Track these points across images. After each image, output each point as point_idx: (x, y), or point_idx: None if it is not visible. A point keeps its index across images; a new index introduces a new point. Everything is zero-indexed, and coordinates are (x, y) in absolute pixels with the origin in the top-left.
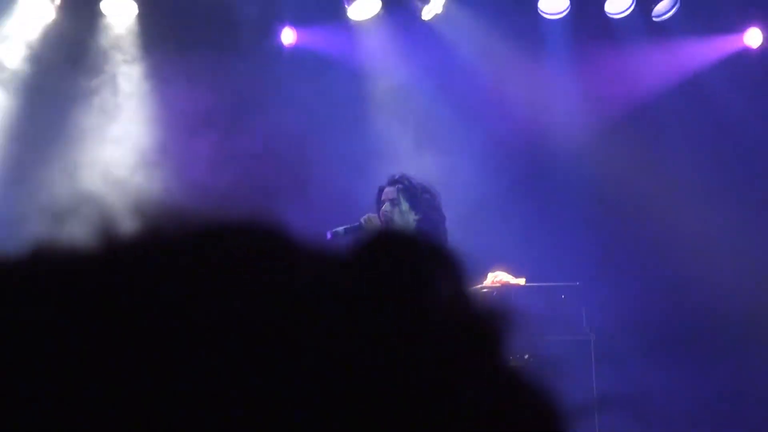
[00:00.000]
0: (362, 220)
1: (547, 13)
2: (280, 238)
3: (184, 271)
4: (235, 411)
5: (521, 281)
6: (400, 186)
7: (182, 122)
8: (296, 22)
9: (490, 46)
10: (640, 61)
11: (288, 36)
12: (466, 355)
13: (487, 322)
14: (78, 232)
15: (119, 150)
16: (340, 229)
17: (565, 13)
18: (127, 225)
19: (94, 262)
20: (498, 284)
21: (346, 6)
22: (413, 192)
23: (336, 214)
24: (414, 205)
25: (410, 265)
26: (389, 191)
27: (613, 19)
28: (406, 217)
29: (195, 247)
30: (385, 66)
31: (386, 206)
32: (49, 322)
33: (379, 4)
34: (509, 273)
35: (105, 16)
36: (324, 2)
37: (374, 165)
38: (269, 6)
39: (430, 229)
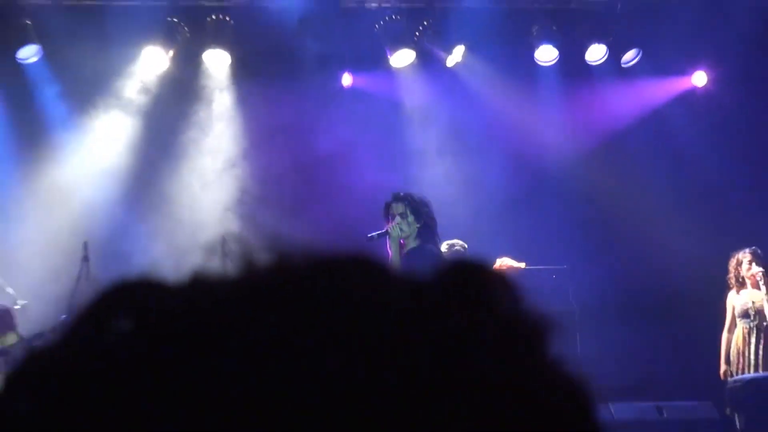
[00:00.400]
0: (388, 228)
1: (541, 61)
2: (380, 268)
3: (312, 298)
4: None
5: (522, 265)
6: (406, 202)
7: (261, 136)
8: (352, 68)
9: (497, 86)
10: (612, 98)
11: (347, 79)
12: (528, 356)
13: (537, 328)
14: (226, 264)
15: (212, 158)
16: (374, 234)
17: (554, 61)
18: (263, 257)
19: (240, 289)
20: (504, 267)
21: (389, 56)
22: (416, 206)
23: (372, 215)
24: (417, 217)
25: (487, 288)
26: (397, 206)
27: (591, 65)
28: (412, 227)
29: (319, 277)
30: (418, 100)
31: (397, 219)
32: (207, 338)
33: (414, 55)
34: (513, 259)
35: (205, 62)
36: (372, 52)
37: (409, 170)
38: (333, 53)
39: (429, 233)
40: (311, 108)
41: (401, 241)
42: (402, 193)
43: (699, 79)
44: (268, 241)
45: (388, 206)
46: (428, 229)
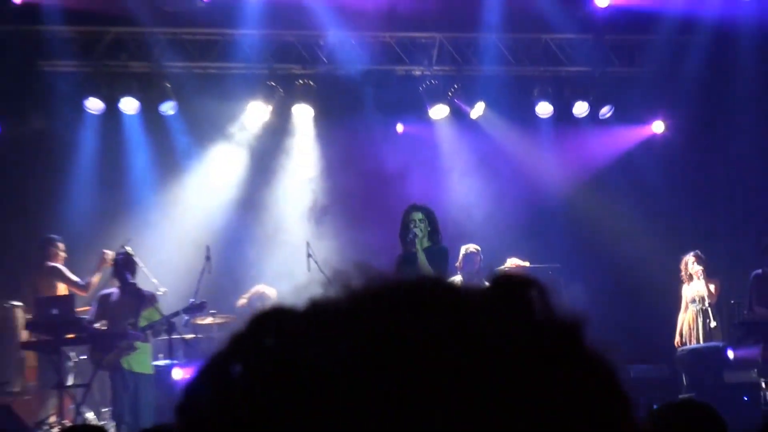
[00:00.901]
0: (416, 231)
1: (540, 114)
2: (450, 288)
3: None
4: None
5: (526, 263)
6: (425, 211)
7: (334, 163)
8: (404, 118)
9: (508, 133)
10: (594, 143)
11: (400, 127)
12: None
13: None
14: (333, 291)
15: (296, 180)
16: (412, 236)
17: (550, 114)
18: (355, 281)
19: (352, 310)
20: (513, 266)
21: (429, 109)
22: (432, 216)
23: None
24: (429, 222)
25: (539, 296)
26: (416, 215)
27: (577, 117)
28: (425, 230)
29: (412, 303)
30: (450, 143)
31: (417, 225)
32: (329, 352)
33: (447, 109)
34: (519, 259)
35: (294, 113)
36: (415, 107)
37: (443, 191)
38: (389, 106)
39: (436, 235)
40: (373, 144)
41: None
42: (419, 204)
43: (658, 126)
44: (358, 267)
45: (407, 214)
46: (435, 232)
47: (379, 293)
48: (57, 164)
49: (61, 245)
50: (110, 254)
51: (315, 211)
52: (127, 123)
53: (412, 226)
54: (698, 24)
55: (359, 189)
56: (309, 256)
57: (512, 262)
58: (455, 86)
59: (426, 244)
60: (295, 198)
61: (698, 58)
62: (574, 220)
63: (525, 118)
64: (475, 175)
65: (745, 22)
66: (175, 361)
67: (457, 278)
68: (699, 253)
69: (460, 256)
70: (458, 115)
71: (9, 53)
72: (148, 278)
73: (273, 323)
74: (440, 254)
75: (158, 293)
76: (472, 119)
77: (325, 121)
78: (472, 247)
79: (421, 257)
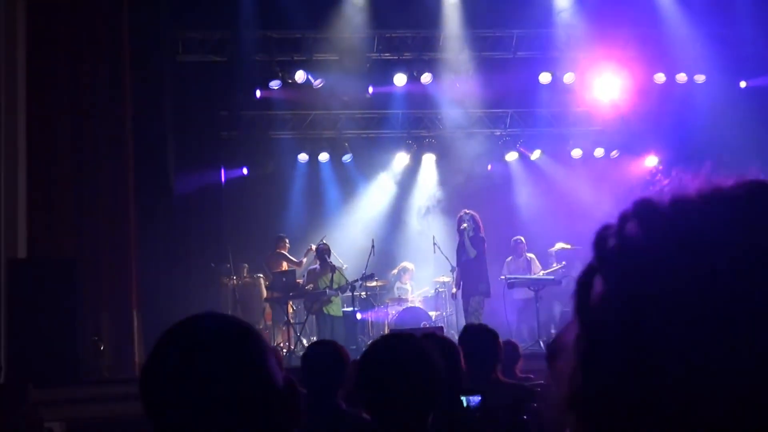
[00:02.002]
0: (462, 228)
1: (574, 156)
2: None
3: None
4: None
5: (569, 246)
6: (469, 216)
7: (450, 189)
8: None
9: (554, 171)
10: (595, 179)
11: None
12: None
13: None
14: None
15: (426, 201)
16: (468, 228)
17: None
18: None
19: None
20: (560, 248)
21: (505, 157)
22: (474, 219)
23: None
24: (475, 224)
25: None
26: (465, 217)
27: (576, 159)
28: (470, 228)
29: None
30: (520, 176)
31: (466, 226)
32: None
33: (517, 154)
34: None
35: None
36: (496, 153)
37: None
38: (480, 155)
39: (477, 232)
40: (474, 179)
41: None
42: (468, 211)
43: (651, 161)
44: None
45: (460, 216)
46: (477, 229)
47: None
48: (282, 194)
49: (286, 240)
50: (314, 246)
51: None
52: (323, 168)
53: (461, 225)
54: None
55: (462, 202)
56: (434, 244)
57: (559, 246)
58: (521, 140)
59: (471, 234)
60: (423, 210)
61: None
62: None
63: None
64: (535, 195)
65: None
66: (356, 309)
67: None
68: None
69: (512, 242)
70: (523, 158)
71: (253, 129)
72: (336, 259)
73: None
74: (479, 239)
75: (343, 267)
76: (532, 161)
77: (443, 164)
78: (518, 237)
79: (466, 242)
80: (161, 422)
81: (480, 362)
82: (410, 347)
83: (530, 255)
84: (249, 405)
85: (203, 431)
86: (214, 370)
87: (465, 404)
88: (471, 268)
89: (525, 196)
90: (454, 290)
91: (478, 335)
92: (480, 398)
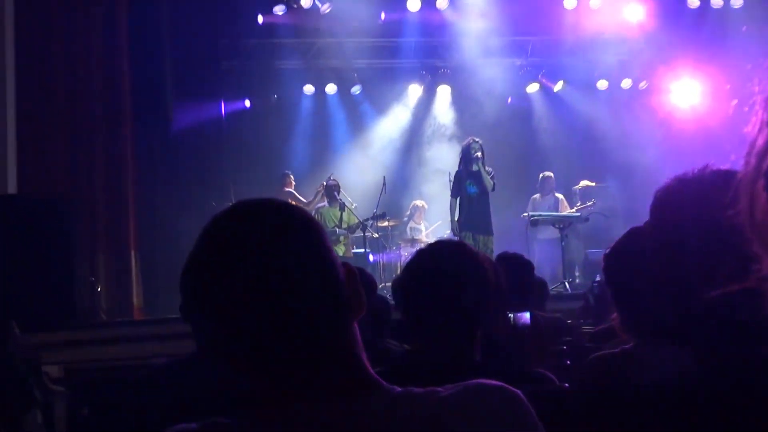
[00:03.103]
0: (476, 158)
1: (599, 87)
2: None
3: None
4: None
5: (593, 183)
6: (480, 144)
7: (467, 123)
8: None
9: (576, 101)
10: (622, 112)
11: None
12: None
13: None
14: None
15: (439, 135)
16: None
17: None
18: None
19: None
20: (582, 186)
21: (526, 88)
22: (483, 148)
23: None
24: (484, 154)
25: None
26: (476, 145)
27: (602, 91)
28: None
29: None
30: (542, 108)
31: (481, 154)
32: None
33: (538, 86)
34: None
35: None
36: (517, 86)
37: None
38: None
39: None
40: (492, 110)
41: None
42: (477, 138)
43: (684, 92)
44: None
45: (469, 144)
46: (484, 160)
47: None
48: (287, 128)
49: (292, 177)
50: (323, 184)
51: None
52: (330, 101)
53: (473, 152)
54: None
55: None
56: (450, 180)
57: (583, 183)
58: (543, 70)
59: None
60: (436, 144)
61: None
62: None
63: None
64: (556, 127)
65: None
66: (368, 250)
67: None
68: None
69: (540, 178)
70: (545, 90)
71: (255, 59)
72: (346, 197)
73: None
74: (492, 174)
75: (353, 206)
76: (555, 93)
77: (459, 96)
78: (547, 173)
79: (484, 172)
80: (219, 319)
81: (516, 291)
82: (461, 252)
83: (559, 195)
84: (321, 297)
85: (275, 327)
86: (285, 259)
87: (512, 322)
88: (484, 202)
89: (547, 130)
90: (454, 226)
91: (513, 263)
92: (530, 315)
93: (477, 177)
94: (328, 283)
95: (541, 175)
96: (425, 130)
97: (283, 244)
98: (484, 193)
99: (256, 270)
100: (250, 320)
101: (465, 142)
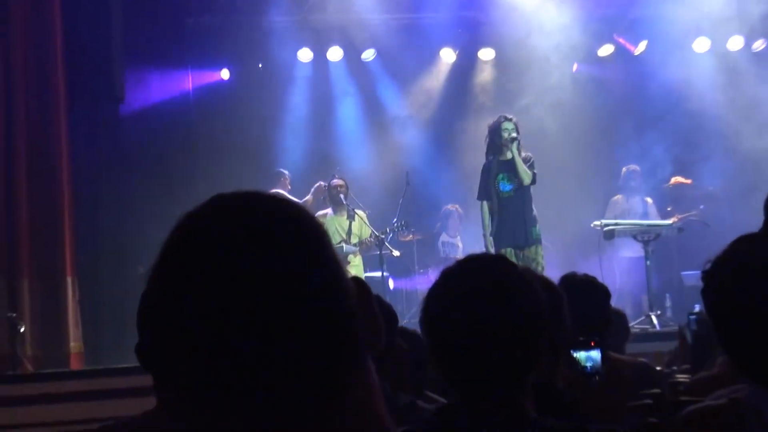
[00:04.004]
0: (510, 139)
1: (696, 50)
2: None
3: None
4: None
5: (689, 181)
6: (515, 123)
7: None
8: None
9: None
10: (729, 83)
11: (575, 67)
12: None
13: None
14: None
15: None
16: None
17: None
18: None
19: None
20: (676, 182)
21: (597, 50)
22: (518, 128)
23: None
24: (519, 136)
25: None
26: (509, 125)
27: (700, 54)
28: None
29: None
30: (614, 76)
31: (517, 136)
32: None
33: (612, 48)
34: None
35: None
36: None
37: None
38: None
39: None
40: (549, 79)
41: None
42: (510, 116)
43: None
44: None
45: (499, 123)
46: (519, 143)
47: None
48: (277, 108)
49: (287, 176)
50: (323, 184)
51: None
52: (334, 70)
53: (506, 134)
54: None
55: (535, 118)
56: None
57: (677, 180)
58: (620, 28)
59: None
60: (476, 128)
61: None
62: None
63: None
64: (637, 103)
65: None
66: (386, 274)
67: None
68: None
69: (623, 173)
70: (623, 53)
71: (233, 13)
72: (355, 201)
73: None
74: (531, 161)
75: (365, 214)
76: (635, 56)
77: (506, 64)
78: (632, 166)
79: (519, 160)
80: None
81: (583, 326)
82: (502, 271)
83: (647, 199)
84: (324, 324)
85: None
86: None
87: (579, 366)
88: (522, 202)
89: (625, 108)
90: (488, 240)
91: (581, 289)
92: (600, 353)
93: (511, 168)
94: (333, 305)
95: (624, 169)
96: (462, 110)
97: (276, 251)
98: (521, 189)
99: (239, 288)
100: (236, 362)
101: (493, 122)
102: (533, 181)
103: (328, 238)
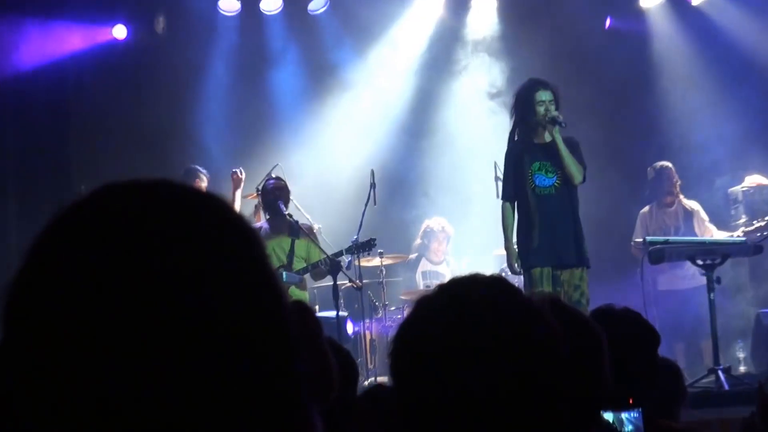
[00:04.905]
0: (550, 117)
1: None
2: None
3: None
4: None
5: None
6: (555, 90)
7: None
8: (611, 12)
9: (734, 20)
10: None
11: (608, 22)
12: None
13: None
14: None
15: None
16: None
17: None
18: None
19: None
20: (755, 185)
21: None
22: (559, 98)
23: None
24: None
25: None
26: (544, 94)
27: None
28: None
29: None
30: (666, 35)
31: (558, 115)
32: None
33: None
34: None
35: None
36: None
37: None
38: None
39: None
40: (580, 42)
41: None
42: (547, 80)
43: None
44: None
45: (530, 90)
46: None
47: None
48: (191, 79)
49: (204, 175)
50: (241, 174)
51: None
52: (270, 27)
53: (541, 108)
54: None
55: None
56: (496, 177)
57: (753, 181)
58: None
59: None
60: (474, 114)
61: None
62: None
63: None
64: (693, 70)
65: None
66: (345, 313)
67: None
68: None
69: (650, 175)
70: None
71: None
72: (301, 211)
73: None
74: (576, 144)
75: (315, 228)
76: (693, 6)
77: (511, 17)
78: (664, 163)
79: (563, 149)
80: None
81: (626, 377)
82: (501, 299)
83: (692, 204)
84: (249, 358)
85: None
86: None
87: (615, 425)
88: (569, 204)
89: (676, 75)
90: (512, 252)
91: (620, 330)
92: (641, 417)
93: (551, 154)
94: (263, 334)
95: (650, 169)
96: (451, 81)
97: (191, 255)
98: (566, 185)
99: (134, 297)
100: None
101: (522, 86)
102: (584, 179)
103: (263, 244)
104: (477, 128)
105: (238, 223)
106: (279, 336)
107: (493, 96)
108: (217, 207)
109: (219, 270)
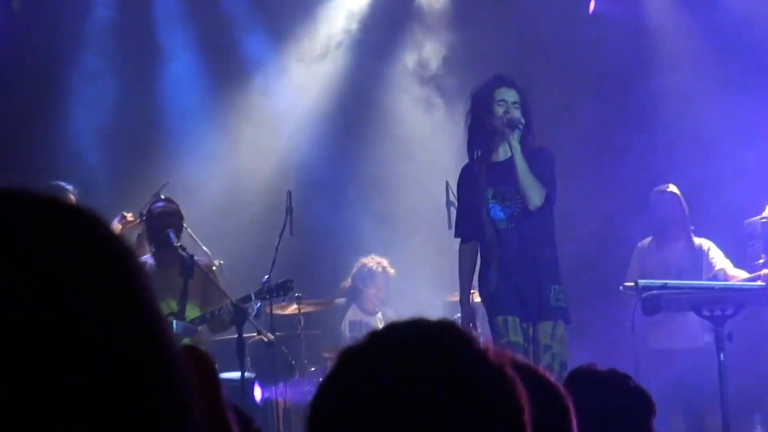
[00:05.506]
0: (516, 121)
1: None
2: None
3: None
4: None
5: None
6: (521, 91)
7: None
8: None
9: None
10: None
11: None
12: None
13: None
14: None
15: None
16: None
17: None
18: None
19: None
20: None
21: None
22: (528, 101)
23: None
24: (527, 115)
25: None
26: (509, 93)
27: None
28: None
29: None
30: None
31: (510, 110)
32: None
33: None
34: None
35: None
36: None
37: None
38: None
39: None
40: (551, 30)
41: None
42: (512, 78)
43: None
44: None
45: (491, 89)
46: (530, 126)
47: None
48: (55, 62)
49: (71, 193)
50: (130, 216)
51: None
52: (159, 7)
53: (501, 109)
54: None
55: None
56: (448, 201)
57: None
58: None
59: (529, 144)
60: (417, 118)
61: None
62: None
63: None
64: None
65: None
66: (252, 375)
67: None
68: None
69: (654, 198)
70: None
71: None
72: (197, 242)
73: None
74: (549, 157)
75: (215, 264)
76: None
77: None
78: (668, 187)
79: (520, 160)
80: None
81: None
82: (451, 351)
83: (703, 241)
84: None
85: None
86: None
87: None
88: (538, 233)
89: (683, 75)
90: (473, 298)
91: (605, 395)
92: None
93: (509, 177)
94: (143, 384)
95: (656, 191)
96: (384, 82)
97: (45, 275)
98: (526, 215)
99: None
100: None
101: (479, 86)
102: (549, 200)
103: (142, 268)
104: (435, 142)
105: (106, 234)
106: (166, 386)
107: (427, 80)
108: (77, 215)
109: (73, 281)
